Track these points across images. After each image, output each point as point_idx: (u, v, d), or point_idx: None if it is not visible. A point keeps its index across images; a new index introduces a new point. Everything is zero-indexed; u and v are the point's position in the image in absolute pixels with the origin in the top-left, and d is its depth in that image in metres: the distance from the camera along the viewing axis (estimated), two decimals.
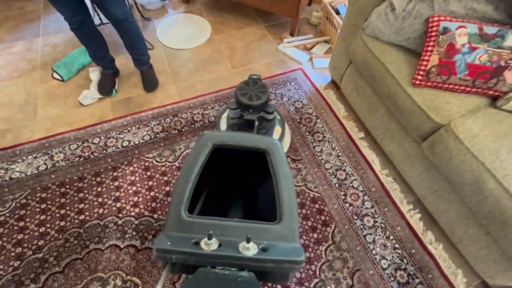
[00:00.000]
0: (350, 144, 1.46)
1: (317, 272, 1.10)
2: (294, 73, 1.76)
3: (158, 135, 1.45)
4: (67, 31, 1.91)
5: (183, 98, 1.61)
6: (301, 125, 1.52)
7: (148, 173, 1.32)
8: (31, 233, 1.14)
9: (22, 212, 1.18)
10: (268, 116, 1.01)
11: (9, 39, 1.85)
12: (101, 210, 1.21)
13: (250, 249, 0.53)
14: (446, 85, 1.00)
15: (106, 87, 1.57)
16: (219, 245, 0.54)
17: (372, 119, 1.36)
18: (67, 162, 1.33)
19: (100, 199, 1.23)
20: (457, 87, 0.99)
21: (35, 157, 1.34)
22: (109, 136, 1.43)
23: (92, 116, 1.52)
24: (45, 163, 1.32)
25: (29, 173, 1.29)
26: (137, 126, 1.48)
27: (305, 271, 1.10)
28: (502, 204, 0.82)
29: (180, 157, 1.38)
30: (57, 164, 1.32)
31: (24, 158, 1.33)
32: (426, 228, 1.22)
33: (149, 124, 1.49)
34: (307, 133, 1.49)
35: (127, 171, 1.32)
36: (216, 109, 1.57)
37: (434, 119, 0.99)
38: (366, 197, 1.30)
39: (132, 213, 1.21)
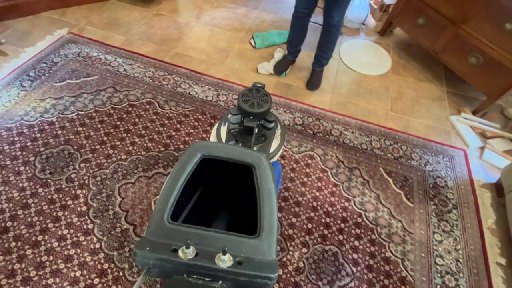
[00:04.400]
0: (481, 260, 1.19)
1: None
2: (454, 150, 1.56)
3: (295, 126, 1.58)
4: (277, 14, 2.30)
5: (332, 110, 1.69)
6: (432, 202, 1.35)
7: None
8: (180, 137, 1.47)
9: (183, 119, 1.54)
10: (268, 125, 0.99)
11: (239, 3, 2.37)
12: None
13: (225, 261, 0.53)
14: None
15: (281, 68, 1.81)
16: (196, 254, 0.55)
17: None
18: (226, 104, 1.63)
19: None
20: None
21: (209, 89, 1.70)
22: None
23: None
24: (212, 96, 1.66)
25: (200, 96, 1.65)
26: (284, 109, 1.65)
27: None
28: None
29: (302, 153, 1.46)
30: (218, 102, 1.64)
31: (203, 85, 1.71)
32: None
33: (294, 113, 1.64)
34: (434, 214, 1.31)
35: None
36: (354, 136, 1.57)
37: None
38: None
39: None
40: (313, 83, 1.78)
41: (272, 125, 1.01)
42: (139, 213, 1.21)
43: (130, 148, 1.40)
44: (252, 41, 2.03)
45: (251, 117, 0.97)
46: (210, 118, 1.55)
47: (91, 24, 2.01)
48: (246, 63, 1.90)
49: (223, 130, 1.09)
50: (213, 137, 1.09)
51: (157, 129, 1.48)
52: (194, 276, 0.54)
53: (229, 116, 1.00)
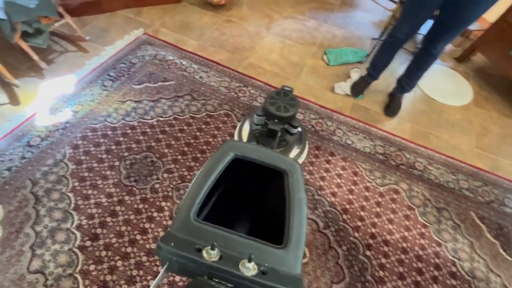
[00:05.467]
0: None
1: None
2: None
3: (377, 155, 1.50)
4: (347, 29, 2.22)
5: (414, 140, 1.59)
6: None
7: (355, 178, 1.39)
8: None
9: None
10: (292, 130, 0.96)
11: (308, 15, 2.31)
12: (308, 176, 1.37)
13: (250, 269, 0.52)
14: None
15: (358, 90, 1.73)
16: (220, 257, 0.53)
17: None
18: (303, 123, 1.57)
19: (311, 168, 1.40)
20: None
21: None
22: (339, 127, 1.59)
23: (334, 103, 1.72)
24: None
25: None
26: (363, 135, 1.57)
27: None
28: None
29: (386, 186, 1.38)
30: None
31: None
32: None
33: (374, 140, 1.56)
34: None
35: (339, 163, 1.44)
36: (440, 173, 1.47)
37: None
38: None
39: (328, 198, 1.31)
40: (393, 109, 1.69)
41: (295, 130, 0.97)
42: None
43: None
44: (325, 57, 1.96)
45: (276, 120, 0.92)
46: None
47: (164, 26, 2.01)
48: (320, 81, 1.83)
49: (245, 130, 1.06)
50: (234, 136, 1.06)
51: None
52: (216, 280, 0.53)
53: (254, 116, 0.97)
